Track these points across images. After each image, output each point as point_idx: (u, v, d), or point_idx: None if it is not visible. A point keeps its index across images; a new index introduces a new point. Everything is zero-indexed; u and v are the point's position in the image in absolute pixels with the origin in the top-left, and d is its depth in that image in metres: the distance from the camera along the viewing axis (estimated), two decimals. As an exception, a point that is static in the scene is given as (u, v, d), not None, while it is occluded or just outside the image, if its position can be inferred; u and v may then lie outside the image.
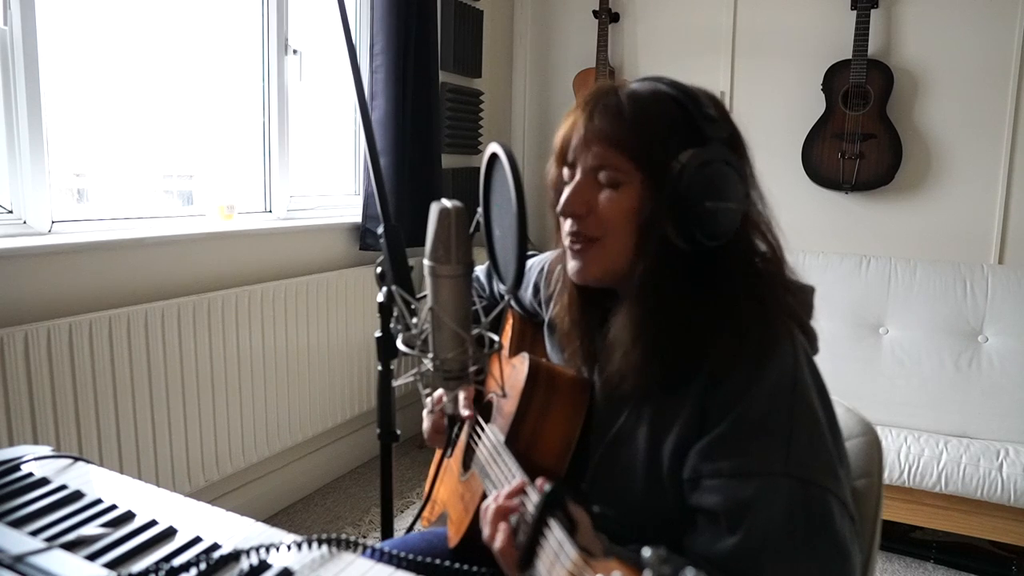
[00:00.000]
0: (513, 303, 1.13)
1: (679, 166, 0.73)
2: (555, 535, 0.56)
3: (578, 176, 0.80)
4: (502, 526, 0.66)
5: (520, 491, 0.67)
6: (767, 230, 0.80)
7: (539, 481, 0.67)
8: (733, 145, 0.78)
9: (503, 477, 0.78)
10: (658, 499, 0.78)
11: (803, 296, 0.81)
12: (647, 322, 0.77)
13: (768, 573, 0.67)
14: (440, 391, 1.03)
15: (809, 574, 0.67)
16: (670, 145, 0.75)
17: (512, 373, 0.90)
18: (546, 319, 1.01)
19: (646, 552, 0.47)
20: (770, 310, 0.76)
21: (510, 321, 1.12)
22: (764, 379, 0.72)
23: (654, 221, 0.75)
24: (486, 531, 0.67)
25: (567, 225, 0.81)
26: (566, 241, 0.82)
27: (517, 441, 0.82)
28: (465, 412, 0.94)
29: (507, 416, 0.85)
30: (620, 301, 0.81)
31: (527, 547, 0.59)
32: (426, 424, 1.04)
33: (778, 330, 0.75)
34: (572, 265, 0.82)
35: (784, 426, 0.70)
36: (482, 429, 0.92)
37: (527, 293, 1.09)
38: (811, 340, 0.80)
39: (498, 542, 0.64)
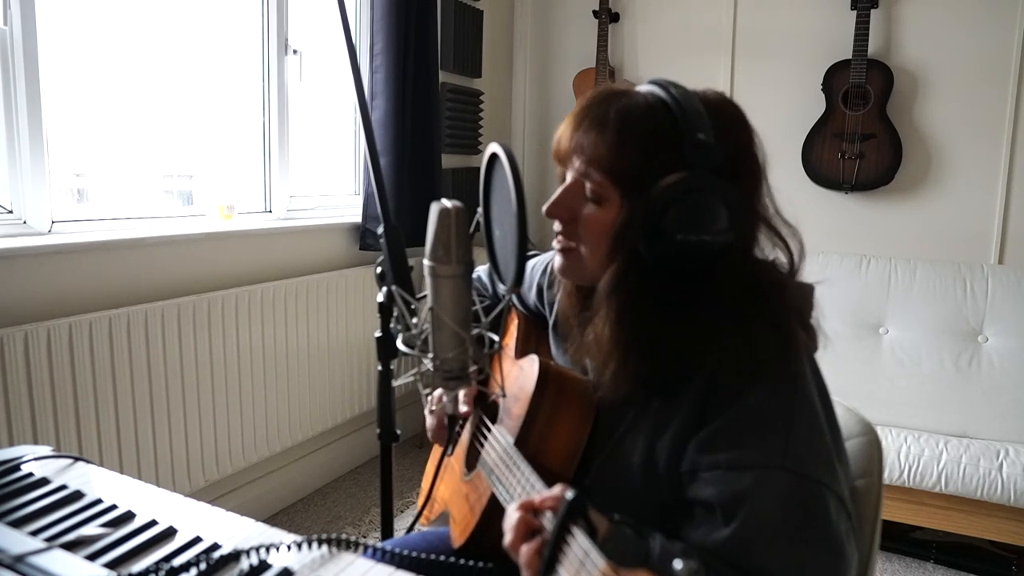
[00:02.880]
0: (517, 303, 1.13)
1: (656, 193, 0.72)
2: (579, 543, 0.56)
3: (567, 182, 0.82)
4: (530, 534, 0.66)
5: (552, 506, 0.66)
6: (777, 236, 0.79)
7: (556, 490, 0.67)
8: (731, 167, 0.75)
9: (518, 485, 0.77)
10: (654, 494, 0.78)
11: (802, 293, 0.81)
12: (623, 332, 0.77)
13: (760, 564, 0.67)
14: (439, 390, 1.04)
15: (801, 567, 0.67)
16: (652, 167, 0.73)
17: (520, 375, 0.90)
18: (551, 320, 1.01)
19: (677, 565, 0.46)
20: (771, 308, 0.76)
21: (515, 321, 1.12)
22: (765, 375, 0.72)
23: (628, 239, 0.75)
24: (507, 538, 0.66)
25: (555, 223, 0.83)
26: (554, 237, 0.85)
27: (526, 445, 0.82)
28: (463, 408, 0.94)
29: (516, 419, 0.85)
30: (598, 310, 0.81)
31: (549, 555, 0.59)
32: (429, 422, 1.05)
33: (779, 327, 0.75)
34: (556, 261, 0.86)
35: (783, 421, 0.71)
36: (488, 430, 0.92)
37: (531, 294, 1.09)
38: (811, 338, 0.80)
39: (524, 547, 0.64)
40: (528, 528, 0.65)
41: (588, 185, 0.79)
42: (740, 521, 0.68)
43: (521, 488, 0.76)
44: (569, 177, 0.82)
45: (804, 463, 0.69)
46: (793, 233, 0.80)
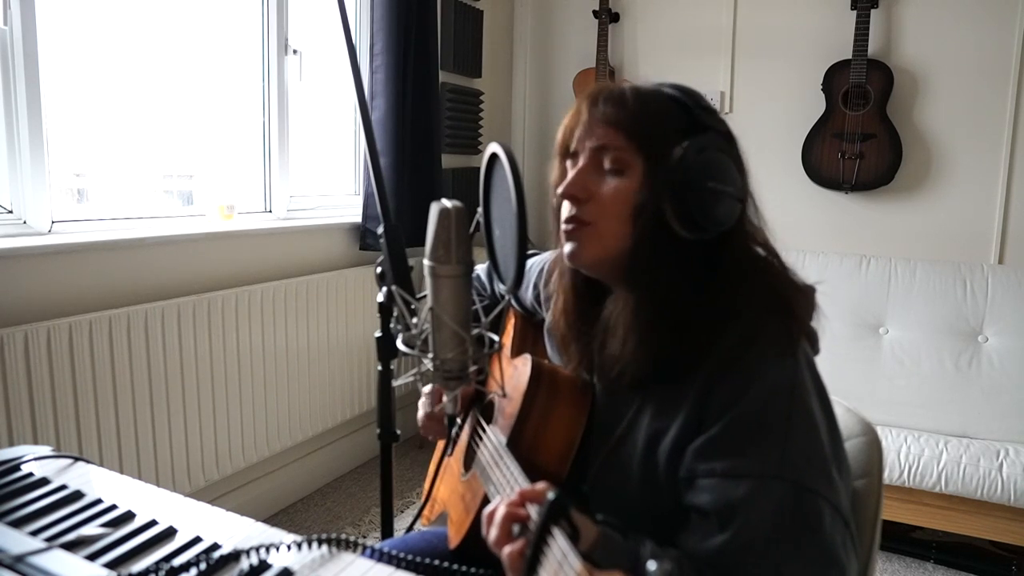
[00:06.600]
0: (514, 302, 1.13)
1: (681, 150, 0.75)
2: (559, 545, 0.56)
3: (582, 161, 0.81)
4: (512, 531, 0.66)
5: (536, 497, 0.66)
6: (762, 237, 0.81)
7: (540, 485, 0.67)
8: (730, 141, 0.80)
9: (506, 481, 0.77)
10: (653, 497, 0.78)
11: (806, 295, 0.81)
12: (643, 308, 0.77)
13: (752, 572, 0.67)
14: (428, 386, 1.05)
15: None
16: (669, 133, 0.77)
17: (514, 374, 0.90)
18: (546, 320, 1.01)
19: (651, 566, 0.46)
20: (775, 309, 0.76)
21: (512, 321, 1.12)
22: (763, 380, 0.72)
23: (652, 205, 0.75)
24: (492, 534, 0.67)
25: (565, 209, 0.82)
26: (561, 226, 0.82)
27: (519, 443, 0.82)
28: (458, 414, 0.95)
29: (509, 418, 0.85)
30: (615, 291, 0.82)
31: (531, 556, 0.59)
32: (420, 412, 1.05)
33: (781, 330, 0.75)
34: (567, 247, 0.82)
35: (780, 428, 0.70)
36: (483, 430, 0.92)
37: (527, 293, 1.09)
38: (812, 341, 0.80)
39: (507, 548, 0.64)
40: (513, 522, 0.65)
41: (608, 158, 0.79)
42: (734, 530, 0.68)
43: (507, 483, 0.76)
44: (582, 160, 0.81)
45: (800, 472, 0.69)
46: (770, 232, 0.82)
